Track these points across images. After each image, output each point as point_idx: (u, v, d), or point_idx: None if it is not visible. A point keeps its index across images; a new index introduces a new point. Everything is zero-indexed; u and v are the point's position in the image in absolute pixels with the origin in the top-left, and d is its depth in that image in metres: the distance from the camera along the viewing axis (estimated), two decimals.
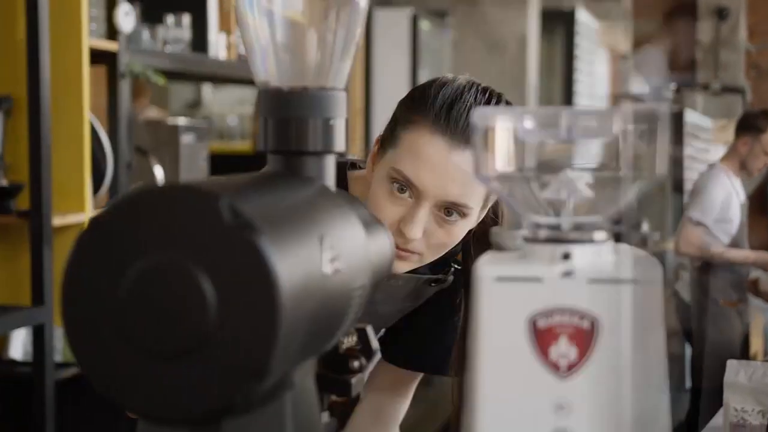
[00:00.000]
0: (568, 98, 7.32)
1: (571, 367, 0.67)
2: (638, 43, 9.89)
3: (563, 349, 0.67)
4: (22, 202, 2.34)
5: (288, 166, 0.78)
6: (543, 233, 0.70)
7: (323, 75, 0.79)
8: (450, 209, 1.21)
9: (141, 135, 2.98)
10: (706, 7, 9.49)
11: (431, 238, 1.23)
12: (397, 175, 1.20)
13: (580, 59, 7.41)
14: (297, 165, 0.78)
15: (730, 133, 8.46)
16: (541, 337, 0.67)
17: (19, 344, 2.77)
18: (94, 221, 0.62)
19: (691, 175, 7.19)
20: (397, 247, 1.21)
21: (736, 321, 4.33)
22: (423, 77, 6.32)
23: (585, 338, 0.67)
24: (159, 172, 2.80)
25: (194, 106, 5.51)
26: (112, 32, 2.61)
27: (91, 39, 2.50)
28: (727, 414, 1.95)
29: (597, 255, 0.69)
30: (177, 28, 2.90)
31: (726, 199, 4.22)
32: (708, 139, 7.78)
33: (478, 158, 0.70)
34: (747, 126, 4.30)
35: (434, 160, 1.18)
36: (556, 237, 0.69)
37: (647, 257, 0.72)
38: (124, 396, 0.62)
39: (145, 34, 2.85)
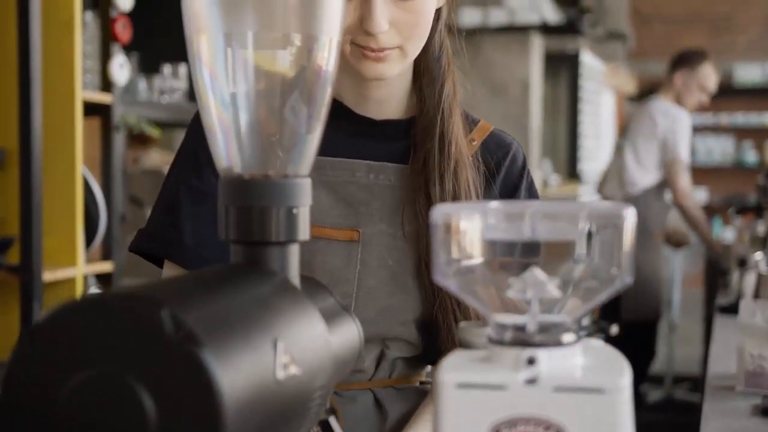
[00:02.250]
0: (572, 139, 7.30)
1: None
2: (643, 83, 9.93)
3: None
4: (13, 256, 2.31)
5: (250, 257, 0.75)
6: (508, 335, 0.67)
7: (287, 161, 0.77)
8: None
9: (138, 184, 2.97)
10: None
11: (400, 24, 1.16)
12: None
13: (585, 101, 7.40)
14: (259, 256, 0.75)
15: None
16: None
17: None
18: (34, 330, 0.60)
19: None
20: (372, 50, 1.15)
21: (662, 257, 4.45)
22: None
23: None
24: None
25: None
26: (107, 83, 2.60)
27: (85, 92, 2.48)
28: (743, 361, 1.81)
29: (564, 359, 0.66)
30: (173, 78, 2.90)
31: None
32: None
33: (439, 255, 0.67)
34: (682, 61, 4.45)
35: None
36: (521, 339, 0.66)
37: (618, 359, 0.69)
38: None
39: (142, 83, 2.84)
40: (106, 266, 2.60)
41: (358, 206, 1.22)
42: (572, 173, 7.15)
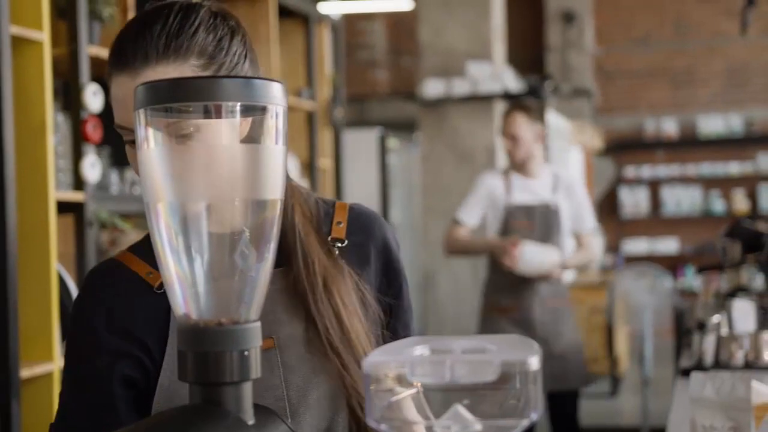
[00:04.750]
0: None
1: None
2: (610, 138, 10.13)
3: None
4: None
5: (207, 396, 0.84)
6: None
7: (238, 306, 0.86)
8: None
9: None
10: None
11: None
12: (117, 129, 1.20)
13: (552, 159, 7.54)
14: (215, 395, 0.84)
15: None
16: None
17: None
18: None
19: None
20: None
21: (509, 330, 4.08)
22: (393, 193, 6.49)
23: None
24: None
25: None
26: (79, 182, 2.69)
27: (58, 191, 2.58)
28: None
29: None
30: None
31: (488, 200, 4.14)
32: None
33: (371, 401, 0.77)
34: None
35: (128, 96, 1.16)
36: None
37: None
38: None
39: (114, 177, 2.93)
40: None
41: (265, 316, 1.28)
42: None
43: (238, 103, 0.83)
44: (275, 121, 0.85)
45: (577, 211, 4.15)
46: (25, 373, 2.40)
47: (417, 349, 0.80)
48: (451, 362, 0.76)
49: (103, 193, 2.81)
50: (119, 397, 1.22)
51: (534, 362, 0.75)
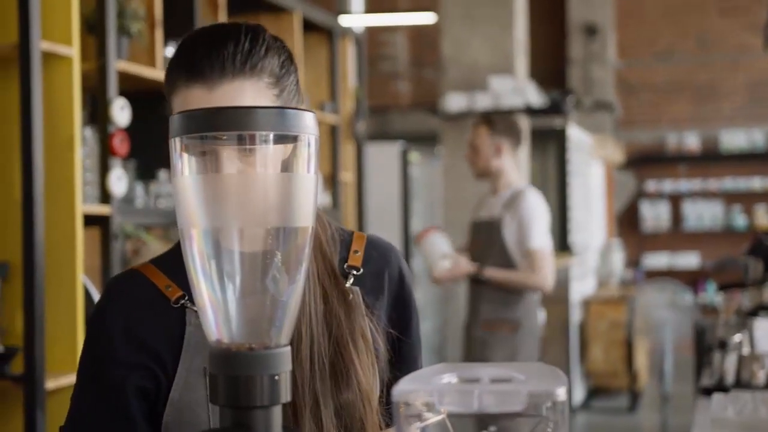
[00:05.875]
0: (563, 212, 7.42)
1: None
2: (631, 152, 10.11)
3: None
4: (17, 365, 2.41)
5: (237, 420, 0.86)
6: None
7: (269, 330, 0.88)
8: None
9: None
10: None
11: None
12: None
13: (573, 173, 7.54)
14: (245, 419, 0.86)
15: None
16: None
17: None
18: None
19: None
20: None
21: (465, 346, 4.09)
22: (414, 207, 6.52)
23: None
24: None
25: None
26: (105, 195, 2.72)
27: (85, 204, 2.61)
28: None
29: None
30: (169, 183, 3.02)
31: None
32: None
33: (400, 427, 0.78)
34: None
35: (199, 106, 1.18)
36: None
37: None
38: None
39: (139, 190, 2.96)
40: None
41: None
42: (564, 246, 7.26)
43: (272, 133, 0.85)
44: (307, 150, 0.87)
45: (519, 226, 3.96)
46: (51, 384, 2.42)
47: (445, 377, 0.81)
48: (479, 392, 0.77)
49: (128, 207, 2.85)
50: (134, 408, 1.23)
51: (561, 393, 0.76)
